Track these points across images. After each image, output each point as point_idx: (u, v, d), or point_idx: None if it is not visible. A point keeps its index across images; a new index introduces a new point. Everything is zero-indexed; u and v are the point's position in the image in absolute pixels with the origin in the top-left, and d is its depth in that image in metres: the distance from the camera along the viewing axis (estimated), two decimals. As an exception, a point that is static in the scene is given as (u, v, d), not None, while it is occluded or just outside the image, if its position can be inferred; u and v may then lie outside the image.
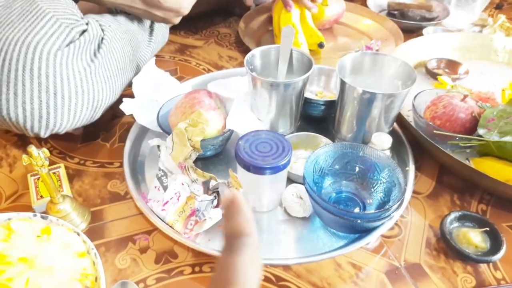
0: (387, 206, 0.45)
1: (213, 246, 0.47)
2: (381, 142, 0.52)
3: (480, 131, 0.55)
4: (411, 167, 0.56)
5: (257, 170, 0.47)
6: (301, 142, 0.59)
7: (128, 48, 0.64)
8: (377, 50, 0.86)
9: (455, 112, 0.57)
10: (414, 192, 0.56)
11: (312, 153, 0.49)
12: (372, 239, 0.47)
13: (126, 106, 0.56)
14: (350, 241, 0.48)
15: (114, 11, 0.71)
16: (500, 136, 0.53)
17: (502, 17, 0.89)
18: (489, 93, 0.66)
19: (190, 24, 0.95)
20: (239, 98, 0.58)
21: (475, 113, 0.57)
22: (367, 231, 0.47)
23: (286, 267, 0.46)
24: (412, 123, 0.61)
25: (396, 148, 0.60)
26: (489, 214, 0.53)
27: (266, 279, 0.45)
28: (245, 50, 0.84)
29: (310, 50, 0.83)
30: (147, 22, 0.75)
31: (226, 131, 0.55)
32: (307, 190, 0.47)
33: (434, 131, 0.56)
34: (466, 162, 0.56)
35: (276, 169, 0.47)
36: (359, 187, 0.52)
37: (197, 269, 0.46)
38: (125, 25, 0.67)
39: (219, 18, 0.98)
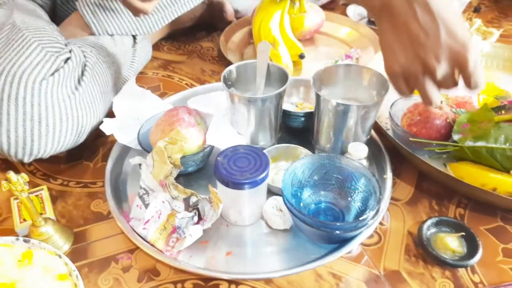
0: (364, 216, 0.46)
1: (195, 263, 0.48)
2: (357, 152, 0.53)
3: (455, 136, 0.56)
4: (389, 175, 0.57)
5: (236, 185, 0.47)
6: (282, 154, 0.60)
7: (111, 71, 0.65)
8: (357, 58, 0.88)
9: (430, 119, 0.58)
10: (393, 199, 0.57)
11: (289, 166, 0.50)
12: (351, 249, 0.48)
13: (107, 126, 0.57)
14: (330, 251, 0.49)
15: (97, 33, 0.72)
16: (473, 141, 0.54)
17: (478, 21, 0.91)
18: (466, 97, 0.67)
19: (172, 40, 0.96)
20: (219, 113, 0.59)
21: (450, 119, 0.58)
22: (346, 240, 0.48)
23: (268, 281, 0.47)
24: (390, 131, 0.63)
25: (375, 156, 0.61)
26: (467, 218, 0.54)
27: (248, 293, 0.46)
28: (227, 63, 0.85)
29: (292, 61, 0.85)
30: (130, 42, 0.77)
31: (206, 146, 0.56)
32: (285, 203, 0.48)
33: (410, 139, 0.57)
34: (443, 168, 0.58)
35: (254, 184, 0.48)
36: (337, 197, 0.53)
37: (179, 286, 0.46)
38: (107, 48, 0.69)
39: (202, 33, 0.99)
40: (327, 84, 0.59)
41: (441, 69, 0.44)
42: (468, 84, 0.46)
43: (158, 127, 0.56)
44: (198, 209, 0.50)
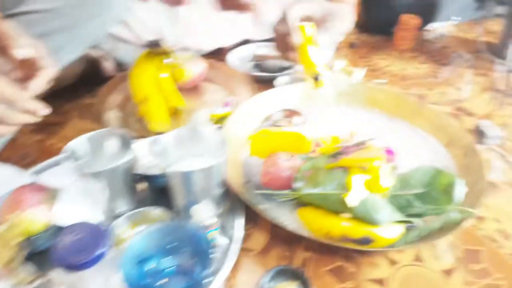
0: (195, 275, 0.48)
1: None
2: (200, 213, 0.56)
3: (295, 184, 0.61)
4: (238, 227, 0.59)
5: (73, 268, 0.48)
6: (141, 218, 0.61)
7: None
8: (236, 105, 0.92)
9: (278, 171, 0.63)
10: (247, 250, 0.60)
11: (128, 245, 0.51)
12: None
13: None
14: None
15: None
16: (311, 188, 0.59)
17: (343, 62, 1.00)
18: (322, 139, 0.73)
19: (54, 98, 0.94)
20: (71, 186, 0.60)
21: (294, 168, 0.63)
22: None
23: None
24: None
25: (233, 210, 0.64)
26: (313, 261, 0.59)
27: None
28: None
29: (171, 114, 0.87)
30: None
31: (52, 225, 0.56)
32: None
33: (254, 191, 0.61)
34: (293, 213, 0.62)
35: (91, 263, 0.48)
36: (187, 261, 0.54)
37: None
38: None
39: (85, 89, 0.99)
40: (181, 145, 0.62)
41: None
42: None
43: (3, 211, 0.55)
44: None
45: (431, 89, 1.02)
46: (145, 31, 0.95)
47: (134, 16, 0.98)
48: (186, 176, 0.55)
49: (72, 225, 0.52)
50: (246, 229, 0.62)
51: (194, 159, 0.61)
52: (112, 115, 0.60)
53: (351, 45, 1.22)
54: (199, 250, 0.53)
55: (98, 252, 0.48)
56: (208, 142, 0.62)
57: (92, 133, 0.61)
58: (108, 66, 0.96)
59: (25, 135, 0.84)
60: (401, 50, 1.20)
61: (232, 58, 1.09)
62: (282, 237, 0.62)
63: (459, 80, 1.06)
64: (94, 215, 0.59)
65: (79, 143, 0.60)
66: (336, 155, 0.64)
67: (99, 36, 0.81)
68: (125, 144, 0.62)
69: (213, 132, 0.62)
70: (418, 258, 0.59)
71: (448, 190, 0.59)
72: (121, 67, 1.01)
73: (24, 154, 0.78)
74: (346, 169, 0.60)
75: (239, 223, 0.61)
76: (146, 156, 0.70)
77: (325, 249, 0.60)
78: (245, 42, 1.16)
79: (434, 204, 0.59)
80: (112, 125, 0.60)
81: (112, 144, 0.62)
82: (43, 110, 0.57)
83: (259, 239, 0.62)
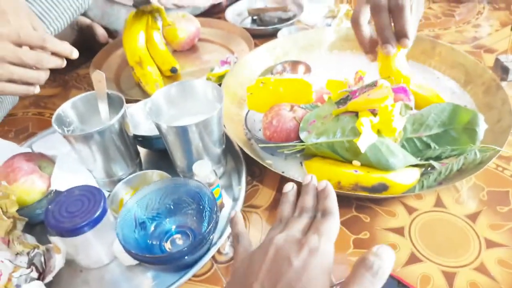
0: (201, 235, 0.45)
1: (40, 320, 0.46)
2: (200, 171, 0.52)
3: (302, 134, 0.57)
4: (243, 185, 0.56)
5: (69, 233, 0.46)
6: (141, 181, 0.59)
7: None
8: (235, 62, 0.87)
9: (280, 122, 0.58)
10: (254, 206, 0.57)
11: (124, 207, 0.48)
12: (197, 270, 0.47)
13: None
14: (181, 276, 0.48)
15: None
16: (317, 138, 0.55)
17: (346, 6, 0.93)
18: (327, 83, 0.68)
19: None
20: (67, 152, 0.57)
21: (297, 118, 0.59)
22: (196, 263, 0.48)
23: (118, 321, 0.46)
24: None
25: (237, 167, 0.61)
26: (324, 213, 0.55)
27: None
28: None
29: (167, 77, 0.83)
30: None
31: (50, 191, 0.53)
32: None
33: (259, 145, 0.57)
34: (299, 167, 0.59)
35: (87, 227, 0.46)
36: (190, 220, 0.52)
37: None
38: None
39: (80, 59, 0.95)
40: (169, 106, 0.58)
41: None
42: None
43: (-5, 181, 0.53)
44: (34, 264, 0.48)
45: (446, 29, 0.94)
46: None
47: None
48: (181, 132, 0.52)
49: (67, 190, 0.49)
50: (251, 187, 0.59)
51: (189, 117, 0.57)
52: (96, 76, 0.56)
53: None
54: (202, 207, 0.50)
55: (93, 216, 0.46)
56: (202, 97, 0.58)
57: (77, 97, 0.58)
58: (101, 31, 0.91)
59: (23, 109, 0.81)
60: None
61: (230, 14, 1.03)
62: (290, 192, 0.58)
63: (476, 17, 0.98)
64: (90, 180, 0.57)
65: (67, 109, 0.57)
66: (343, 100, 0.59)
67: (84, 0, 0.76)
68: (118, 105, 0.58)
69: (205, 86, 0.57)
70: (438, 204, 0.55)
71: (469, 128, 0.54)
72: (114, 33, 0.97)
73: (23, 128, 0.76)
74: (355, 114, 0.55)
75: (241, 181, 0.57)
76: (144, 119, 0.67)
77: (339, 200, 0.56)
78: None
79: (453, 144, 0.54)
80: (98, 87, 0.56)
81: (105, 108, 0.58)
82: (74, 52, 0.59)
83: (265, 196, 0.58)
